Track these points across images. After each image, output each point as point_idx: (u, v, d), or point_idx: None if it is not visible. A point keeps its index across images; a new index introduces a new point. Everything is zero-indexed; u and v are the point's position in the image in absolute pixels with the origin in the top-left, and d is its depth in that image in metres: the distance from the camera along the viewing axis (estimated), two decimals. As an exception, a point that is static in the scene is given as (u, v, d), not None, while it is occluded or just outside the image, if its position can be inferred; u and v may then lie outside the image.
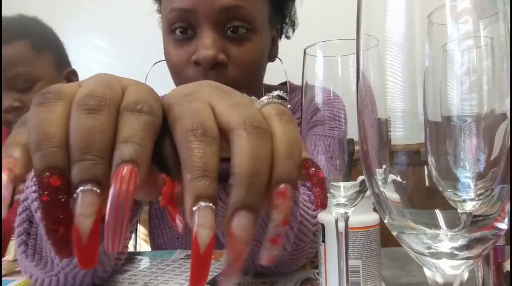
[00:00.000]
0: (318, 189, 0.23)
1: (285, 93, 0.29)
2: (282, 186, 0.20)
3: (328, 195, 0.36)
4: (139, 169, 0.19)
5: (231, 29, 0.55)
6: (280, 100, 0.24)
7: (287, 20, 0.70)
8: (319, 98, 0.35)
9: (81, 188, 0.18)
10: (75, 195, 0.18)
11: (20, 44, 0.88)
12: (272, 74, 0.73)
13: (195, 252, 0.19)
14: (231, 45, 0.56)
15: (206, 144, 0.20)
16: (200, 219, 0.19)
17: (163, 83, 0.55)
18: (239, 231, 0.19)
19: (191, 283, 0.19)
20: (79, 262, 0.18)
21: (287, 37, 0.73)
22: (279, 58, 0.71)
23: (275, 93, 0.25)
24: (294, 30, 0.74)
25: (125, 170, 0.18)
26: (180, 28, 0.56)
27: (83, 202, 0.18)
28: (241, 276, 0.55)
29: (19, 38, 0.88)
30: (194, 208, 0.19)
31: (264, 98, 0.24)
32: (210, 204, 0.19)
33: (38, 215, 0.39)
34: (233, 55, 0.55)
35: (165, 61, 0.62)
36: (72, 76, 0.98)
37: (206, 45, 0.53)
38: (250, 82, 0.59)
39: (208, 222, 0.19)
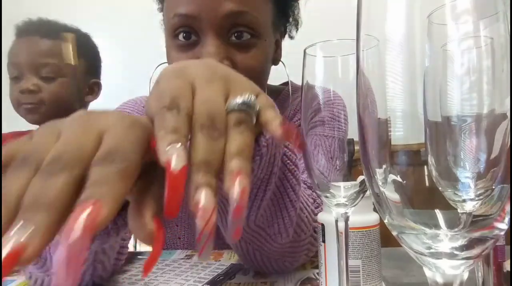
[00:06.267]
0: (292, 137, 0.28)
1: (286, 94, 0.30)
2: (234, 169, 0.24)
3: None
4: (102, 208, 0.20)
5: (235, 34, 0.55)
6: (245, 108, 0.27)
7: (290, 19, 0.69)
8: (319, 99, 0.35)
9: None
10: None
11: (60, 44, 1.00)
12: (274, 74, 0.73)
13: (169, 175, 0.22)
14: (235, 52, 0.55)
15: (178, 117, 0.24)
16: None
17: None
18: (201, 200, 0.22)
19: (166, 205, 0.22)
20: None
21: (291, 37, 0.73)
22: (282, 62, 0.70)
23: (240, 100, 0.27)
24: (297, 29, 0.74)
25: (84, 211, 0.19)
26: (183, 33, 0.56)
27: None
28: (241, 276, 0.55)
29: (60, 39, 1.01)
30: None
31: (232, 104, 0.27)
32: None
33: None
34: (237, 61, 0.55)
35: (167, 64, 0.62)
36: (95, 87, 1.10)
37: (210, 52, 0.53)
38: None
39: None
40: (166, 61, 0.63)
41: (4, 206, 0.20)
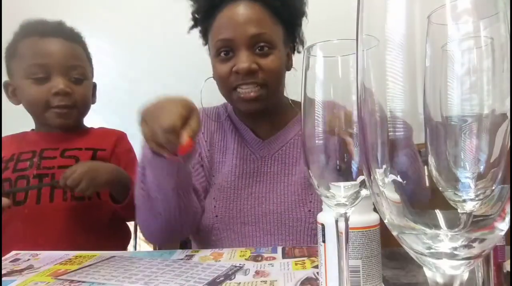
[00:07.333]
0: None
1: None
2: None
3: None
4: None
5: (259, 48, 0.83)
6: None
7: (297, 39, 0.94)
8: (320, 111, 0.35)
9: None
10: None
11: (79, 47, 1.02)
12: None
13: None
14: (259, 58, 0.83)
15: None
16: None
17: (215, 96, 0.89)
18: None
19: None
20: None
21: (298, 52, 0.96)
22: (294, 68, 0.92)
23: None
24: (303, 46, 0.97)
25: None
26: (224, 51, 0.84)
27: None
28: (241, 276, 0.55)
29: (78, 43, 1.02)
30: None
31: None
32: None
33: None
34: (261, 64, 0.83)
35: (212, 77, 0.89)
36: (94, 89, 1.10)
37: (243, 60, 0.81)
38: (274, 84, 0.86)
39: None
40: (211, 76, 0.89)
41: None
